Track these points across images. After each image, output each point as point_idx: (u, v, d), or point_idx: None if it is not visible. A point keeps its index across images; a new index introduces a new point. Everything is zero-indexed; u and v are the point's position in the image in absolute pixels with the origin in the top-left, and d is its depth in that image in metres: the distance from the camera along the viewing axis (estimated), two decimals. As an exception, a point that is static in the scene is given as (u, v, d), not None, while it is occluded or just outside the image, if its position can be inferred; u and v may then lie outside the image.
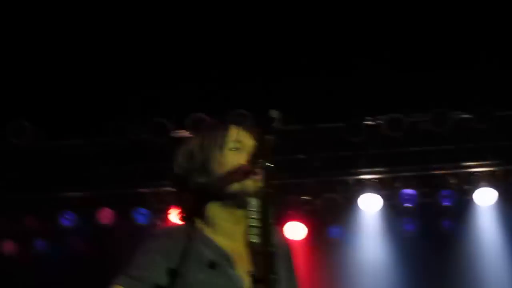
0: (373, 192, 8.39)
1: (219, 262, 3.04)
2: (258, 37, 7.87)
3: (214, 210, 3.14)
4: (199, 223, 3.12)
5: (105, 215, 8.71)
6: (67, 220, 8.78)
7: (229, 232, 3.13)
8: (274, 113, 2.84)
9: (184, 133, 8.15)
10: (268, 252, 2.73)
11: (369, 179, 8.47)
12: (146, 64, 8.02)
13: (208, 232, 3.13)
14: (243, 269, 3.02)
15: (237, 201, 3.08)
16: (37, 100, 8.03)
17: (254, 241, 2.79)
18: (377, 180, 8.46)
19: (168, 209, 8.45)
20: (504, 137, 8.12)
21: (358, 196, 8.47)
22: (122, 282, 3.00)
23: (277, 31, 7.90)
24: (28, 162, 8.55)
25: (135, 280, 2.99)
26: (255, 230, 2.78)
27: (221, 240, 3.12)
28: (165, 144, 8.16)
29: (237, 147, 3.15)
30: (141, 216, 8.70)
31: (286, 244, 3.32)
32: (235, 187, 3.08)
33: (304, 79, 7.82)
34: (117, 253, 8.68)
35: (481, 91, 7.74)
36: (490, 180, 8.32)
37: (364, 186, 8.48)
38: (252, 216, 2.82)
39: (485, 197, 8.37)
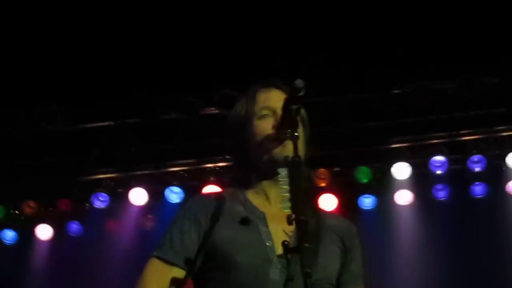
0: (404, 161, 8.36)
1: (252, 219, 3.13)
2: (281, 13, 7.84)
3: (256, 176, 3.26)
4: (243, 188, 3.28)
5: (138, 195, 8.75)
6: (100, 201, 8.84)
7: (268, 195, 3.23)
8: (299, 83, 2.84)
9: (213, 111, 8.17)
10: (299, 221, 2.73)
11: (400, 148, 8.43)
12: (172, 43, 8.02)
13: (249, 194, 3.25)
14: (276, 226, 3.10)
15: (269, 169, 3.15)
16: (64, 82, 8.05)
17: (286, 211, 2.80)
18: (407, 149, 8.44)
19: (202, 186, 8.48)
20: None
21: (390, 166, 8.44)
22: (157, 254, 3.13)
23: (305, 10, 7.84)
24: (58, 146, 8.60)
25: (168, 249, 3.12)
26: (286, 200, 2.80)
27: (259, 202, 3.23)
28: (195, 122, 8.22)
29: (264, 114, 3.22)
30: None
31: (347, 225, 3.32)
32: (266, 156, 3.16)
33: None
34: (150, 232, 8.81)
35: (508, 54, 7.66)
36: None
37: (395, 155, 8.45)
38: (283, 186, 2.84)
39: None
